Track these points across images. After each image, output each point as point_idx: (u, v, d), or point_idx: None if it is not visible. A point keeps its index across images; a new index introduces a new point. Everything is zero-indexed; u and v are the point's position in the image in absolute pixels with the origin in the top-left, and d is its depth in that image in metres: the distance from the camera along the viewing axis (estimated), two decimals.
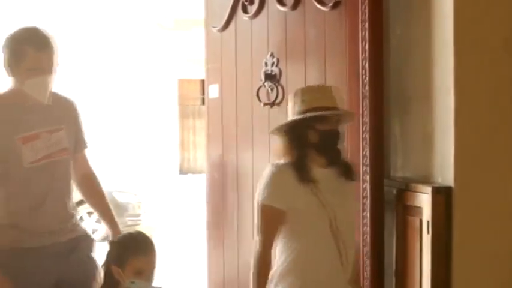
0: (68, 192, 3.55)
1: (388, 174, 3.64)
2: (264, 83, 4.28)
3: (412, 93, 3.61)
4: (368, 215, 3.53)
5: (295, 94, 3.25)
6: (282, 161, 3.21)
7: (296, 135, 3.20)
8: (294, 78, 4.12)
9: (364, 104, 3.59)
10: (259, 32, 4.40)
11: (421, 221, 3.32)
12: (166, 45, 12.73)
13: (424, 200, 3.27)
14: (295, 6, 4.07)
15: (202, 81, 5.29)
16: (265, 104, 4.28)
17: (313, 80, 3.98)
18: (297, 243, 3.15)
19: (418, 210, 3.33)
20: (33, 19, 10.38)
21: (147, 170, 13.01)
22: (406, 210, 3.47)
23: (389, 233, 3.57)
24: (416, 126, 3.56)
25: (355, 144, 3.61)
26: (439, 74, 3.41)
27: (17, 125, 3.39)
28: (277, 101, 4.21)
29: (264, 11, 4.34)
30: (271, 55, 4.26)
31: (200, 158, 13.62)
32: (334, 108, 3.20)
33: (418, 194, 3.32)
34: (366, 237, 3.54)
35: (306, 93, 3.24)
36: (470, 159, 3.26)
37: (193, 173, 13.78)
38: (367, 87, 3.58)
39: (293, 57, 4.15)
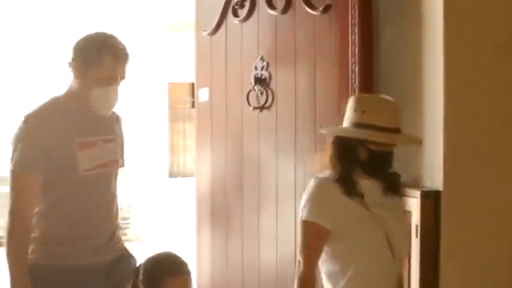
0: (115, 206, 3.38)
1: None
2: (253, 87, 4.28)
3: (402, 97, 3.60)
4: None
5: (357, 101, 2.97)
6: (324, 174, 2.96)
7: (345, 148, 2.92)
8: (284, 82, 4.12)
9: None
10: (250, 36, 4.40)
11: (411, 225, 3.32)
12: (158, 47, 12.72)
13: (413, 204, 3.27)
14: (285, 10, 4.08)
15: (192, 84, 5.28)
16: (254, 108, 4.28)
17: (302, 83, 3.98)
18: (355, 262, 2.89)
19: (407, 214, 3.33)
20: (25, 20, 10.36)
21: (137, 173, 12.98)
22: None
23: None
24: (406, 130, 3.55)
25: None
26: (429, 78, 3.41)
27: (75, 130, 3.20)
28: (267, 104, 4.21)
29: (255, 15, 4.34)
30: (261, 59, 4.26)
31: (190, 161, 13.59)
32: (396, 130, 2.92)
33: (407, 198, 3.32)
34: None
35: (369, 104, 2.95)
36: (459, 163, 3.27)
37: (183, 176, 13.74)
38: (356, 91, 3.59)
39: (283, 61, 4.15)
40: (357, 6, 3.59)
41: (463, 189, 3.26)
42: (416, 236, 3.25)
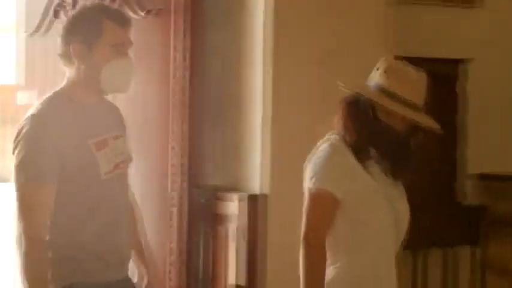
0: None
1: (199, 182, 3.64)
2: None
3: (226, 103, 3.66)
4: (176, 224, 3.53)
5: (383, 61, 2.54)
6: (334, 137, 2.52)
7: (355, 108, 2.51)
8: (137, 86, 4.04)
9: (177, 111, 3.61)
10: None
11: (230, 228, 3.36)
12: None
13: (233, 208, 3.32)
14: (147, 13, 4.01)
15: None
16: None
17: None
18: (361, 242, 2.51)
19: (228, 218, 3.38)
20: None
21: None
22: (216, 219, 3.50)
23: (199, 242, 3.58)
24: (229, 136, 3.60)
25: (164, 152, 3.63)
26: (253, 85, 3.47)
27: (88, 127, 2.67)
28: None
29: None
30: None
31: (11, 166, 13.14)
32: (416, 107, 2.50)
33: (228, 202, 3.37)
34: (174, 246, 3.54)
35: (394, 68, 2.52)
36: (279, 168, 3.35)
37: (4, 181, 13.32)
38: (187, 94, 3.61)
39: (139, 63, 4.09)
40: (188, 10, 3.61)
41: (283, 193, 3.33)
42: (237, 240, 3.31)
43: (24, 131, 2.57)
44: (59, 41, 2.68)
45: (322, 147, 2.52)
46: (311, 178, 2.50)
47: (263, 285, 3.31)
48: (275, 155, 3.33)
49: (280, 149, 3.35)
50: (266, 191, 3.29)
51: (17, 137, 2.58)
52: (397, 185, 2.57)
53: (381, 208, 2.51)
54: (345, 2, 3.55)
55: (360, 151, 2.49)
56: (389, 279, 2.57)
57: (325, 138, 2.53)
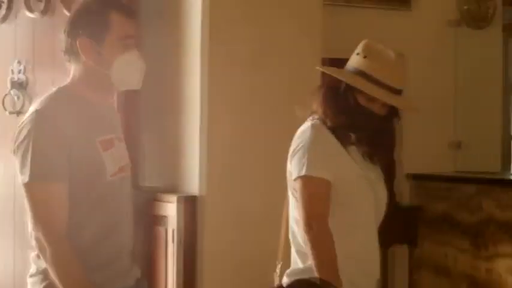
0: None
1: (137, 184, 3.63)
2: (10, 91, 4.14)
3: (163, 105, 3.65)
4: None
5: (363, 44, 2.53)
6: (314, 121, 2.50)
7: (333, 92, 2.50)
8: (42, 86, 4.01)
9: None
10: (7, 38, 4.25)
11: (167, 230, 3.35)
12: None
13: (170, 209, 3.32)
14: (44, 12, 3.97)
15: None
16: (11, 113, 4.14)
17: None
18: (350, 225, 2.50)
19: (165, 219, 3.37)
20: None
21: None
22: (154, 220, 3.49)
23: (138, 243, 3.57)
24: (166, 137, 3.59)
25: None
26: (189, 87, 3.48)
27: (95, 126, 2.50)
28: (24, 109, 4.08)
29: (12, 17, 4.19)
30: (19, 62, 4.13)
31: None
32: (395, 91, 2.47)
33: (165, 203, 3.36)
34: None
35: (374, 51, 2.51)
36: (216, 169, 3.35)
37: None
38: (117, 97, 3.57)
39: (41, 64, 4.04)
40: None
41: (219, 195, 3.35)
42: (174, 241, 3.29)
43: (27, 128, 2.38)
44: (63, 36, 2.49)
45: (304, 135, 2.48)
46: (301, 168, 2.43)
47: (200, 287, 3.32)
48: (212, 157, 3.34)
49: (217, 150, 3.36)
50: (203, 192, 3.30)
51: (18, 135, 2.40)
52: (375, 168, 2.56)
53: (364, 190, 2.49)
54: (280, 3, 3.57)
55: (341, 136, 2.47)
56: (375, 262, 2.56)
57: (306, 124, 2.49)
